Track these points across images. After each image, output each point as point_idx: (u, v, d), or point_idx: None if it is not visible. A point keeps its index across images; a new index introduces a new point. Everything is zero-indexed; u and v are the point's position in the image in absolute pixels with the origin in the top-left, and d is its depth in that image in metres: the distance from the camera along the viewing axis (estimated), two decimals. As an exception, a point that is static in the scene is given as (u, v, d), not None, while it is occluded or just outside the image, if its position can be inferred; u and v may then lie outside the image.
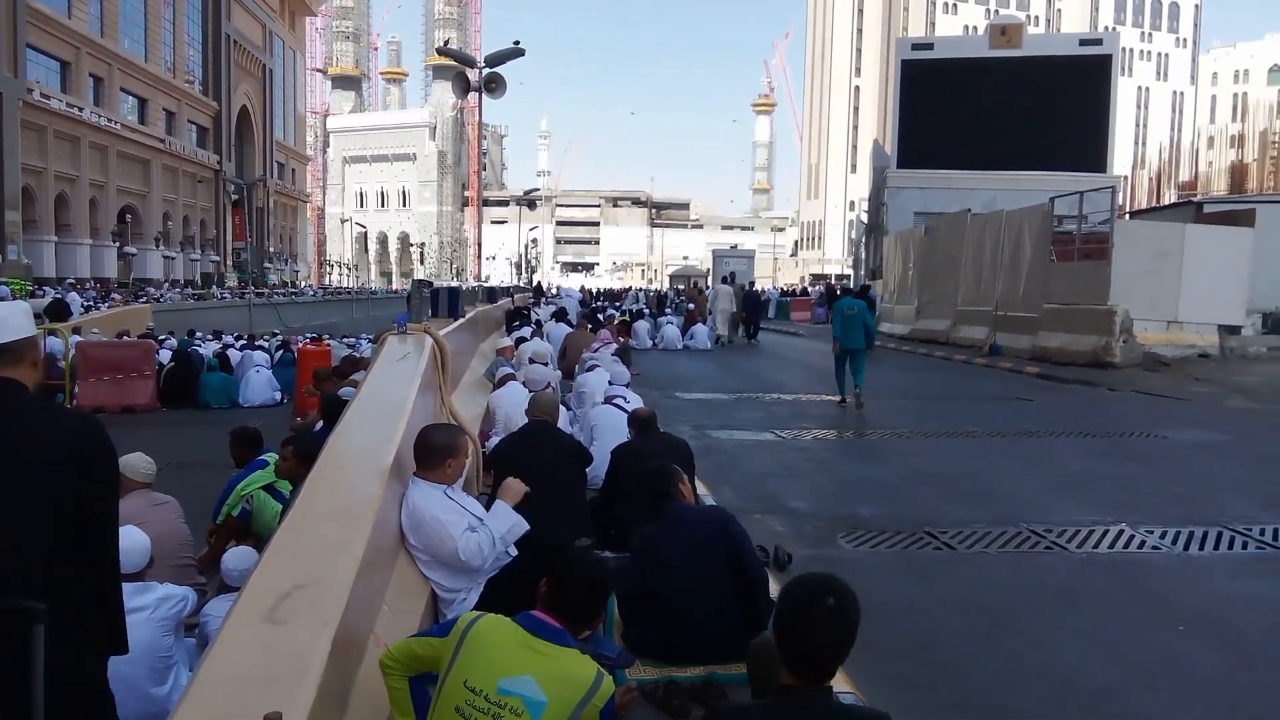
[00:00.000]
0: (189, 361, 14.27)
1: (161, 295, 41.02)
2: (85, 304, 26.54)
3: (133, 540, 3.52)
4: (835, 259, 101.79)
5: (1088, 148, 32.49)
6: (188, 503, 5.12)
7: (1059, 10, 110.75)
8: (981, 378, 16.02)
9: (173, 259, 56.95)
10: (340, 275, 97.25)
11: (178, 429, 12.08)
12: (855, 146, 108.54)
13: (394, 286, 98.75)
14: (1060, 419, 11.15)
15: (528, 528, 3.94)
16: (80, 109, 47.82)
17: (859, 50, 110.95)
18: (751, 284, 29.29)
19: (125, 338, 16.28)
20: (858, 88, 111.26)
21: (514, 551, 3.89)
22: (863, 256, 42.45)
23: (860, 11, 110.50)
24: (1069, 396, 13.42)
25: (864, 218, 44.80)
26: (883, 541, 5.95)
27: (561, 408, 6.45)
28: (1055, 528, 6.18)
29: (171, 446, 9.49)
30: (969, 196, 27.08)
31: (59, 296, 24.36)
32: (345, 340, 20.91)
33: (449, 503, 3.80)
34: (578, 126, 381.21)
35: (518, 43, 22.02)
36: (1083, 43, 37.26)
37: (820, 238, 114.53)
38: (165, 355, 14.41)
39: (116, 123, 51.67)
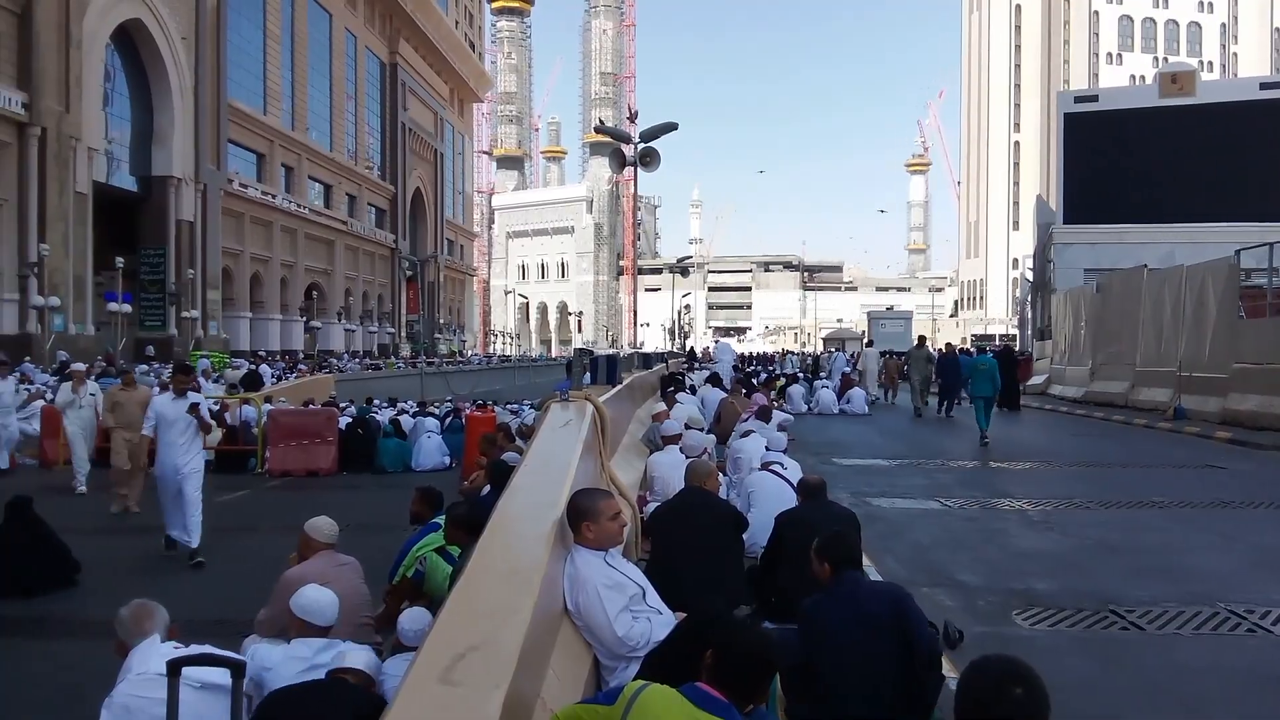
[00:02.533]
0: (367, 428, 15.10)
1: (343, 365, 43.79)
2: (275, 374, 28.63)
3: (326, 598, 3.75)
4: (999, 318, 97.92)
5: (1273, 196, 30.24)
6: (365, 563, 5.39)
7: (1234, 54, 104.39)
8: (1166, 443, 14.95)
9: (353, 331, 60.83)
10: (503, 344, 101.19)
11: (356, 492, 12.77)
12: (1016, 203, 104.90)
13: (553, 354, 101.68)
14: (1258, 488, 10.25)
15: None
16: (273, 196, 52.33)
17: (1017, 105, 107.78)
18: (950, 346, 23.82)
19: (310, 406, 17.41)
20: (1017, 143, 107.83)
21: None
22: (1029, 316, 40.67)
23: (1017, 67, 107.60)
24: (1267, 464, 12.33)
25: (1029, 275, 42.99)
26: (1062, 619, 5.59)
27: (719, 474, 6.46)
28: (1257, 608, 5.65)
29: (351, 508, 10.03)
30: (1142, 252, 25.65)
31: (253, 369, 26.44)
32: (509, 406, 21.63)
33: (609, 571, 3.82)
34: (729, 191, 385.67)
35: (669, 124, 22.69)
36: (1263, 86, 35.05)
37: (982, 297, 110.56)
38: (344, 422, 15.31)
39: (305, 208, 56.20)
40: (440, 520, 5.90)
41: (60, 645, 6.21)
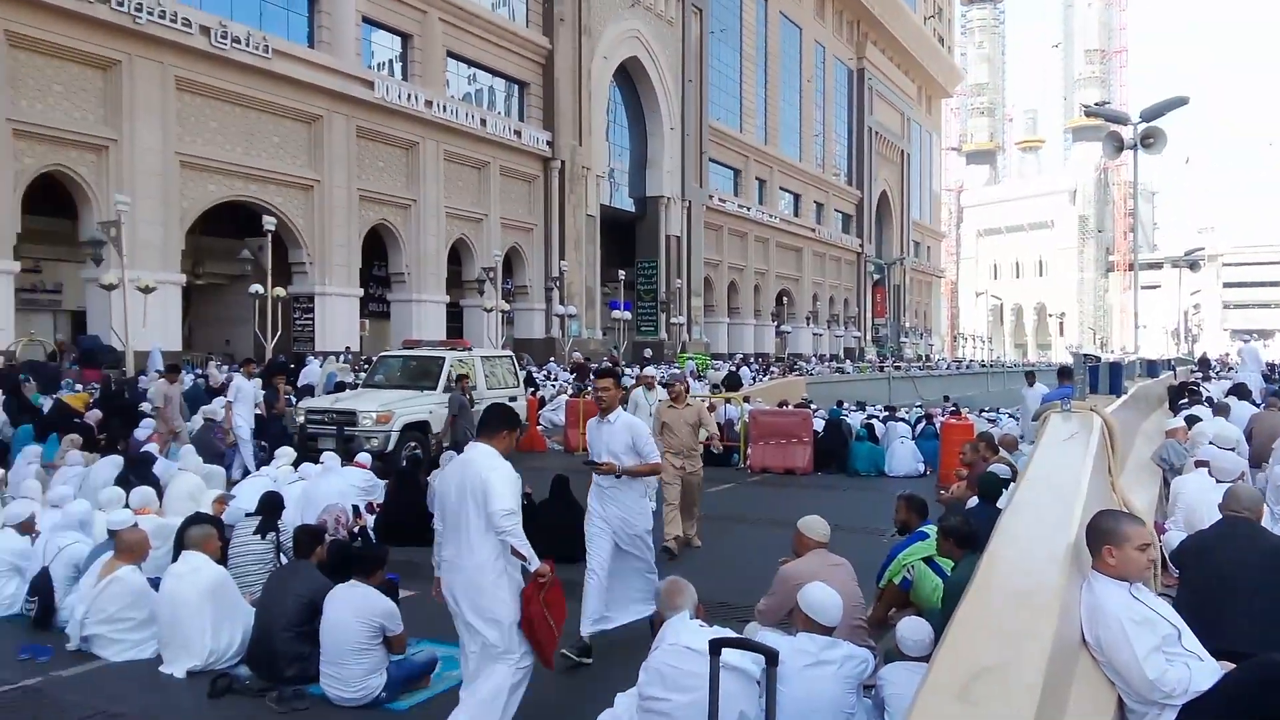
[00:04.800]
0: (840, 431, 15.35)
1: (810, 368, 45.08)
2: (752, 376, 30.33)
3: (832, 599, 3.86)
4: None
5: None
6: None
7: None
8: None
9: (820, 335, 62.33)
10: (973, 348, 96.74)
11: (832, 493, 13.03)
12: None
13: (1029, 359, 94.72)
14: None
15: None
16: (748, 208, 55.50)
17: None
18: None
19: (785, 406, 18.14)
20: None
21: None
22: None
23: None
24: None
25: None
26: None
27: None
28: None
29: (827, 509, 10.20)
30: None
31: (733, 370, 28.30)
32: (984, 414, 20.62)
33: (1135, 605, 3.41)
34: (1244, 172, 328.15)
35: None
36: None
37: None
38: (819, 424, 15.70)
39: (776, 217, 58.82)
40: (928, 530, 5.77)
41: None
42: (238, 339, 31.29)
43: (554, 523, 8.41)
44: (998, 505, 6.08)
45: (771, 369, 39.86)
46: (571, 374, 26.84)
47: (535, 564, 4.19)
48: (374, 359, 22.94)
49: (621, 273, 40.91)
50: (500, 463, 4.31)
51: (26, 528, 7.15)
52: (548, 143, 38.82)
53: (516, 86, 39.26)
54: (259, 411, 14.51)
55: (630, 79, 45.54)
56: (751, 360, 42.81)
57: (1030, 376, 15.67)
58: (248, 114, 27.36)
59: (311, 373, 20.67)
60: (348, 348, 29.50)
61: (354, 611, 5.16)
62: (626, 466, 5.95)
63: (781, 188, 61.12)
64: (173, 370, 14.19)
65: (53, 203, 23.97)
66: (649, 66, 45.36)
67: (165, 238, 24.87)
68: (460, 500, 4.29)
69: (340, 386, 17.79)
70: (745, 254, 56.21)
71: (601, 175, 42.69)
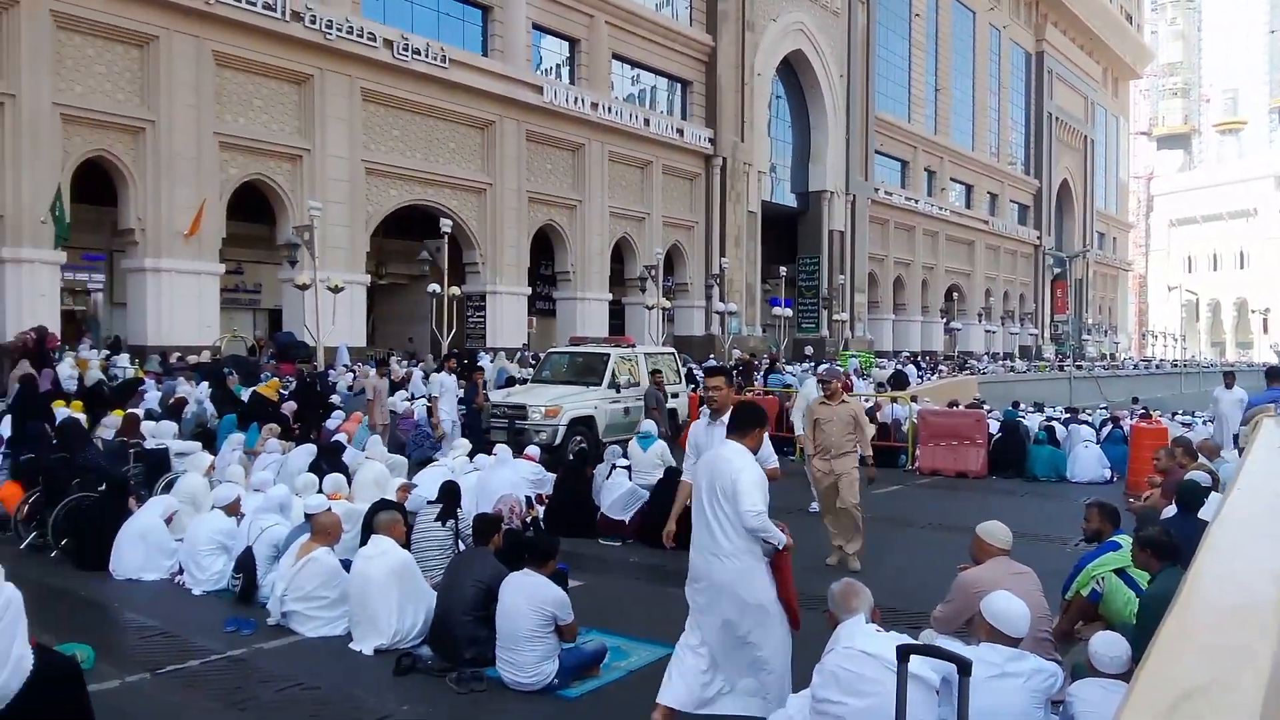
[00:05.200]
0: (1017, 433, 14.63)
1: (982, 367, 43.20)
2: (919, 375, 29.35)
3: (1018, 610, 3.68)
4: None
5: None
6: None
7: None
8: None
9: (993, 332, 59.59)
10: (1163, 346, 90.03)
11: (1009, 498, 12.44)
12: None
13: (1227, 359, 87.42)
14: None
15: None
16: (915, 201, 53.72)
17: None
18: None
19: (955, 407, 17.45)
20: None
21: None
22: None
23: None
24: None
25: None
26: None
27: None
28: None
29: (1005, 515, 9.74)
30: None
31: (899, 368, 27.48)
32: (1178, 418, 19.17)
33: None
34: None
35: None
36: None
37: None
38: (993, 425, 15.02)
39: (945, 210, 56.65)
40: (1120, 540, 5.42)
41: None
42: (418, 336, 32.98)
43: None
44: (1199, 516, 5.66)
45: (940, 367, 38.45)
46: (737, 370, 26.75)
47: (782, 540, 4.48)
48: (541, 355, 23.64)
49: (783, 269, 40.44)
50: (749, 461, 4.57)
51: (233, 509, 7.77)
52: (709, 140, 38.88)
53: (679, 85, 39.51)
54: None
55: (794, 73, 44.97)
56: (919, 358, 41.45)
57: (1229, 377, 14.47)
58: (426, 122, 28.75)
59: (484, 368, 21.52)
60: (524, 345, 30.56)
61: (527, 599, 5.33)
62: None
63: (952, 178, 58.82)
64: (383, 364, 14.96)
65: (253, 209, 25.95)
66: (813, 59, 44.66)
67: (352, 240, 26.49)
68: (711, 495, 4.54)
69: (510, 381, 18.43)
70: (912, 248, 54.45)
71: (763, 171, 42.36)
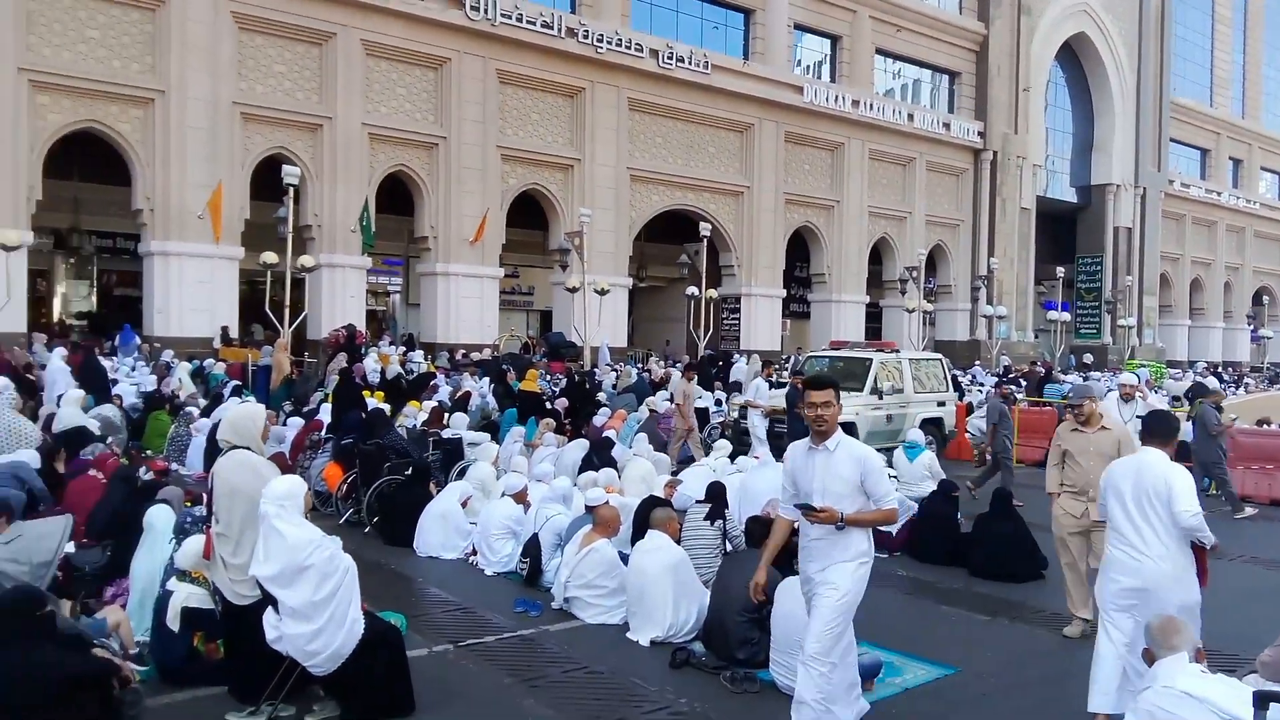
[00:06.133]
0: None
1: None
2: (1221, 388, 26.28)
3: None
4: None
5: None
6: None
7: None
8: None
9: (1311, 341, 52.20)
10: None
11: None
12: None
13: None
14: None
15: None
16: (1218, 193, 48.20)
17: None
18: None
19: (1265, 425, 15.51)
20: None
21: None
22: None
23: None
24: None
25: None
26: None
27: None
28: None
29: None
30: None
31: (1198, 379, 24.81)
32: None
33: None
34: None
35: None
36: None
37: None
38: (1318, 448, 13.19)
39: (1255, 203, 50.41)
40: None
41: (1025, 629, 6.72)
42: (666, 336, 33.85)
43: (997, 536, 8.03)
44: None
45: (1246, 381, 34.27)
46: (1019, 378, 25.34)
47: (1213, 540, 4.66)
48: (794, 358, 23.49)
49: (1059, 270, 37.63)
50: (1179, 467, 4.78)
51: (520, 498, 8.36)
52: (979, 133, 36.94)
53: (945, 77, 37.84)
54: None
55: (1075, 57, 41.78)
56: (1219, 370, 37.14)
57: None
58: (687, 128, 29.41)
59: (739, 370, 21.72)
60: (799, 348, 30.56)
61: (804, 605, 5.32)
62: (852, 514, 4.34)
63: (1264, 167, 52.20)
64: (691, 369, 15.15)
65: (528, 216, 27.70)
66: (1098, 41, 41.27)
67: (616, 245, 27.62)
68: (1138, 500, 4.72)
69: (772, 384, 18.46)
70: (1213, 246, 48.83)
71: (1038, 164, 39.67)
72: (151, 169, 20.45)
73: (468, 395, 15.79)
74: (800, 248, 33.66)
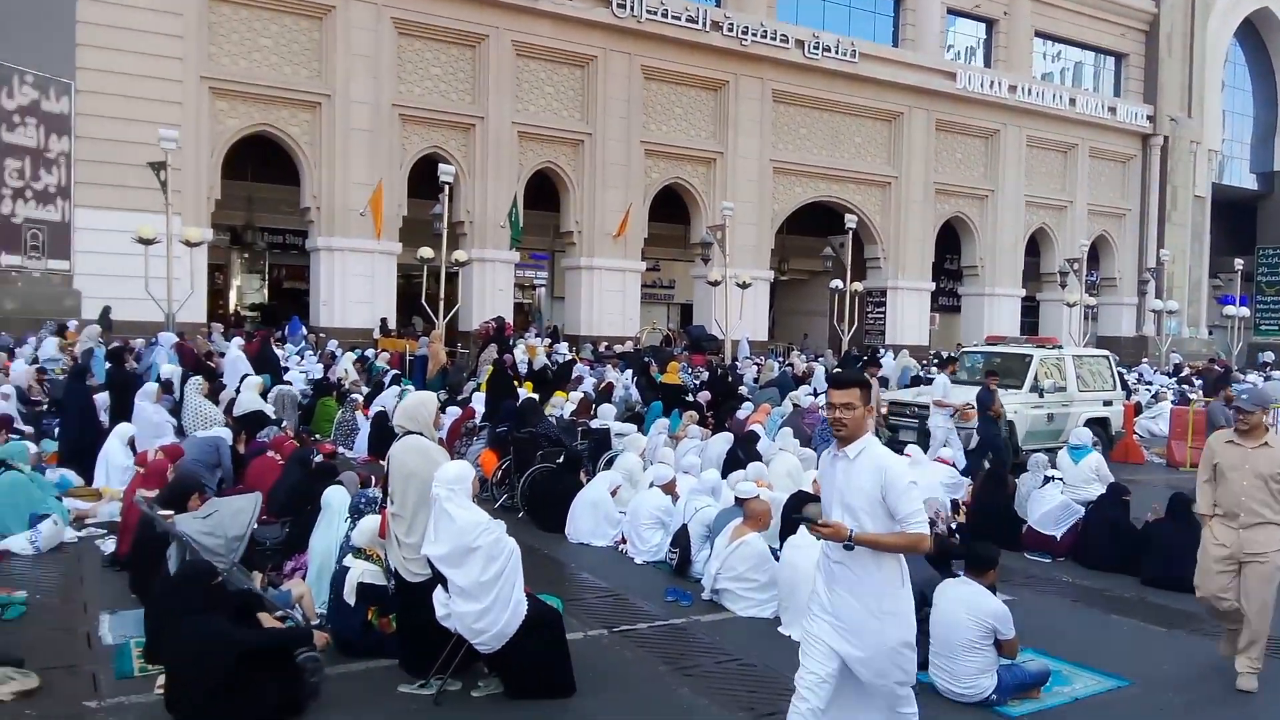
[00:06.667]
0: None
1: None
2: None
3: None
4: None
5: None
6: None
7: None
8: None
9: None
10: None
11: None
12: None
13: None
14: None
15: None
16: None
17: None
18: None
19: None
20: None
21: None
22: None
23: None
24: None
25: None
26: None
27: None
28: None
29: None
30: None
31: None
32: None
33: None
34: None
35: None
36: None
37: None
38: None
39: None
40: None
41: (1208, 644, 6.27)
42: (814, 331, 33.32)
43: (1174, 542, 7.57)
44: None
45: None
46: (1191, 377, 23.84)
47: None
48: (942, 353, 22.72)
49: (1238, 262, 34.91)
50: None
51: (668, 488, 8.42)
52: (1148, 118, 34.73)
53: (1111, 59, 35.75)
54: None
55: (1257, 34, 38.72)
56: None
57: None
58: (832, 118, 28.86)
59: (886, 365, 21.17)
60: (960, 345, 29.62)
61: (966, 609, 5.16)
62: (869, 533, 3.62)
63: None
64: (873, 364, 14.49)
65: (669, 210, 27.81)
66: (1283, 16, 38.16)
67: (758, 238, 27.41)
68: None
69: (915, 380, 17.96)
70: None
71: (1214, 150, 36.99)
72: (318, 169, 21.64)
73: (610, 387, 16.02)
74: (951, 239, 32.54)
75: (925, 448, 11.57)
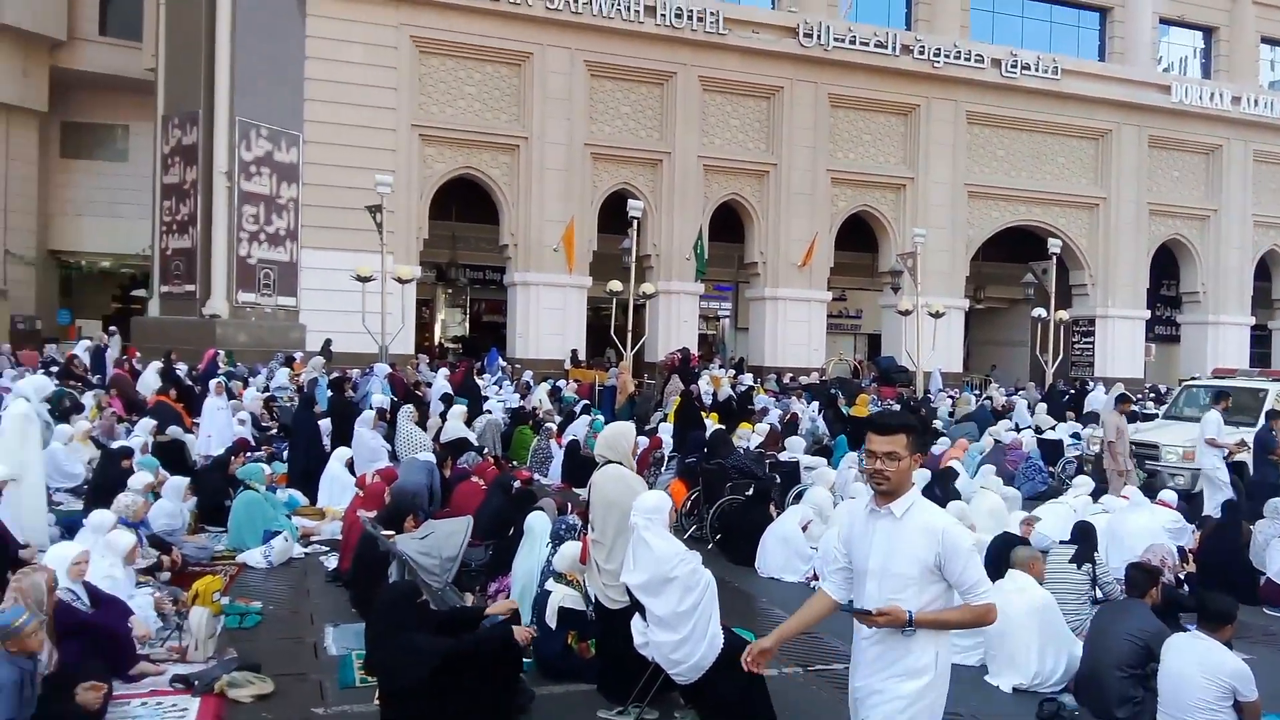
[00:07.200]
0: None
1: None
2: None
3: None
4: None
5: None
6: None
7: None
8: None
9: None
10: None
11: None
12: None
13: None
14: None
15: None
16: None
17: None
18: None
19: None
20: None
21: None
22: None
23: None
24: None
25: None
26: None
27: None
28: None
29: None
30: None
31: None
32: None
33: None
34: None
35: None
36: None
37: None
38: None
39: None
40: None
41: None
42: (1004, 361, 31.68)
43: None
44: None
45: None
46: None
47: None
48: (1162, 388, 21.04)
49: None
50: None
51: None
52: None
53: (1356, 62, 32.34)
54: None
55: None
56: None
57: None
58: (1033, 138, 27.55)
59: (1095, 399, 19.85)
60: (1180, 379, 27.45)
61: (1200, 666, 4.73)
62: (928, 614, 3.07)
63: None
64: (1124, 400, 12.94)
65: (856, 238, 27.30)
66: None
67: (952, 265, 26.44)
68: None
69: (1135, 416, 16.71)
70: None
71: None
72: (515, 208, 22.73)
73: (795, 418, 15.81)
74: (1168, 263, 30.20)
75: (1147, 489, 10.71)
